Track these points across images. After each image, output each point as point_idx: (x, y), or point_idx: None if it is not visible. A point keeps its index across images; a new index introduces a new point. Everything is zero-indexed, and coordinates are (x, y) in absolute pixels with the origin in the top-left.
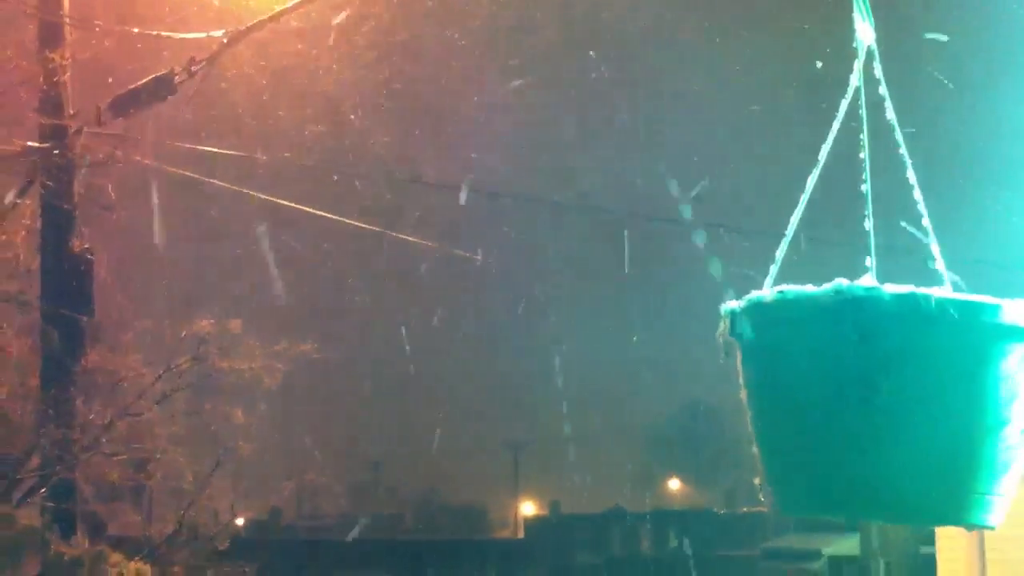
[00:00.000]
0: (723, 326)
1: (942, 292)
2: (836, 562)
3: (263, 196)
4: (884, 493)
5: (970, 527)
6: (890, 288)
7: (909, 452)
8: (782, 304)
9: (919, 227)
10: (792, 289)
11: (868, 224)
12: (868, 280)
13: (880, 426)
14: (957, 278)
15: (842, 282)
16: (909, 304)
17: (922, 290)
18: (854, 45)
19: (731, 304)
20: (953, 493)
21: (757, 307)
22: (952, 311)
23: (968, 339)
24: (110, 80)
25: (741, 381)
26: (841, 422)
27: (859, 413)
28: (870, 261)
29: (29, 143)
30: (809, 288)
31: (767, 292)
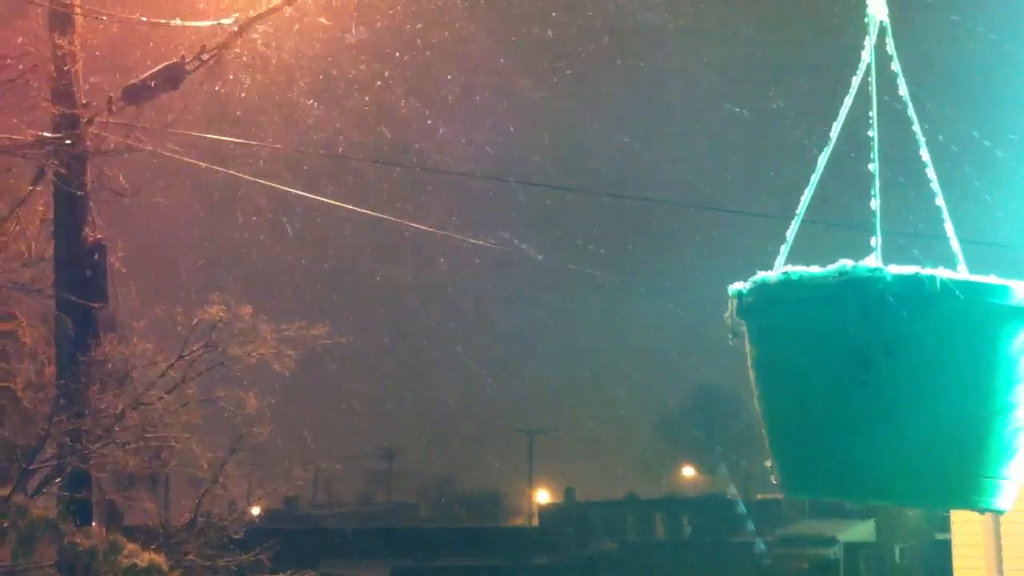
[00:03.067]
0: (731, 307)
1: (948, 273)
2: (851, 548)
3: (276, 185)
4: (888, 475)
5: (979, 510)
6: (894, 269)
7: (913, 434)
8: (787, 285)
9: (933, 207)
10: (797, 270)
11: (874, 204)
12: (872, 261)
13: (883, 408)
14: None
15: (846, 263)
16: (912, 285)
17: (927, 271)
18: (866, 20)
19: (738, 285)
20: (959, 476)
21: (763, 288)
22: (957, 292)
23: (975, 320)
24: (121, 69)
25: (748, 362)
26: (844, 403)
27: (862, 395)
28: (875, 241)
29: (41, 133)
30: (814, 269)
31: (772, 273)
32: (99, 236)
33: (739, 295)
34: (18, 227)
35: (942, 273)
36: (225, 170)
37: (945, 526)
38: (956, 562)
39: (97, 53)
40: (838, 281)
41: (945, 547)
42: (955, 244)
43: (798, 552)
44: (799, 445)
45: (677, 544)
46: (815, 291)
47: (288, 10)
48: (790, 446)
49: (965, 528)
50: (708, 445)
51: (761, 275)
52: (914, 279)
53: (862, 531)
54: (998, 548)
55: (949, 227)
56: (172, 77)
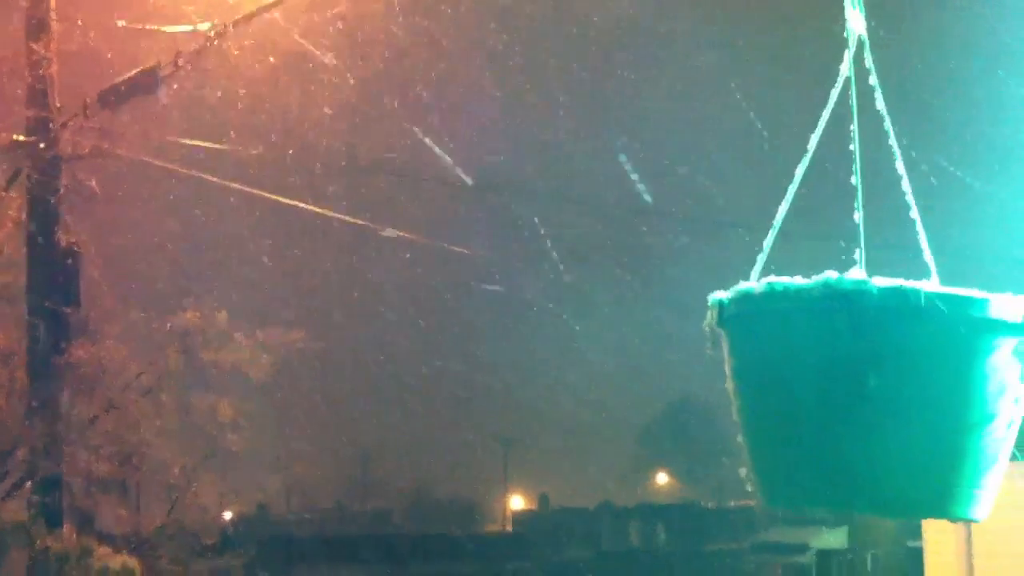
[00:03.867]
0: (710, 316)
1: (931, 286)
2: (824, 555)
3: (250, 189)
4: (870, 486)
5: (956, 520)
6: (879, 281)
7: (896, 445)
8: (770, 296)
9: (907, 219)
10: (781, 281)
11: (858, 216)
12: (857, 273)
13: (867, 419)
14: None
15: (831, 275)
16: (898, 298)
17: (911, 284)
18: (844, 34)
19: (719, 294)
20: (939, 487)
21: (745, 298)
22: (940, 305)
23: (956, 333)
24: (96, 73)
25: (727, 372)
26: (828, 415)
27: (846, 406)
28: (859, 254)
29: (15, 136)
30: (798, 280)
31: (755, 283)
32: (72, 240)
33: (720, 305)
34: None
35: (925, 286)
36: (201, 175)
37: (917, 534)
38: (928, 570)
39: (73, 58)
40: (823, 293)
41: (917, 554)
42: (928, 256)
43: (771, 559)
44: (779, 455)
45: (651, 551)
46: (800, 303)
47: (271, 14)
48: (770, 456)
49: (937, 536)
50: (683, 453)
51: (744, 285)
52: (899, 291)
53: (834, 538)
54: (969, 555)
55: (923, 239)
56: (148, 82)
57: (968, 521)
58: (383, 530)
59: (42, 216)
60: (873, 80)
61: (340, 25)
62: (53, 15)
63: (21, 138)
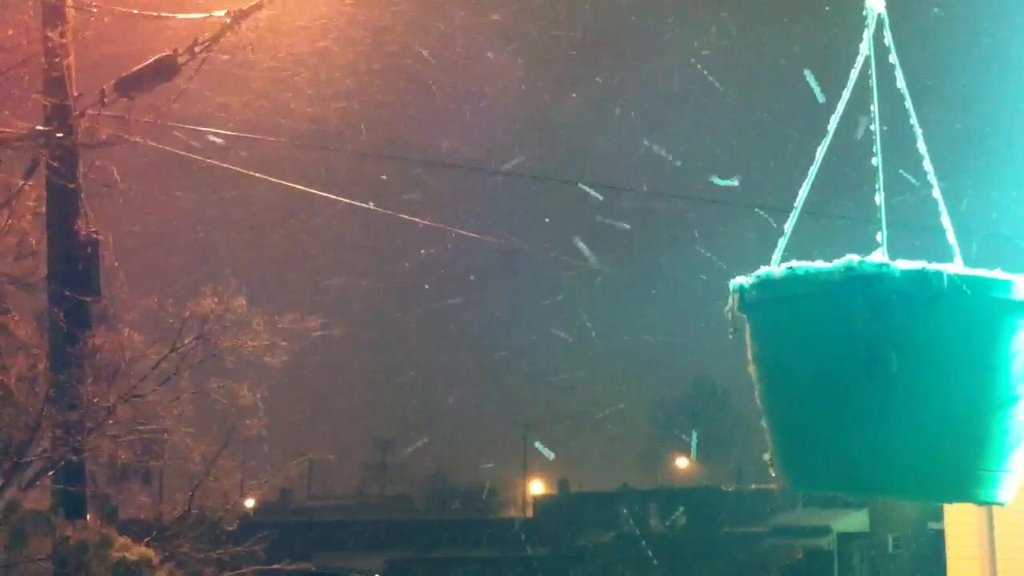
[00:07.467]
0: (732, 301)
1: (953, 268)
2: (845, 537)
3: (269, 178)
4: (893, 469)
5: (980, 503)
6: (901, 264)
7: (918, 428)
8: (792, 280)
9: (930, 198)
10: (802, 265)
11: (878, 198)
12: (879, 256)
13: (890, 402)
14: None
15: (853, 258)
16: (920, 280)
17: (933, 266)
18: (864, 13)
19: (740, 279)
20: (962, 470)
21: (767, 283)
22: (963, 287)
23: (979, 315)
24: (110, 61)
25: (749, 356)
26: (850, 398)
27: (869, 389)
28: (881, 236)
29: (33, 125)
30: (819, 264)
31: (776, 268)
32: (92, 229)
33: (741, 290)
34: (10, 220)
35: (948, 268)
36: (218, 163)
37: (938, 516)
38: (949, 551)
39: (88, 45)
40: (845, 277)
41: (938, 536)
42: (951, 237)
43: (792, 542)
44: (802, 439)
45: (671, 535)
46: (821, 287)
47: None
48: (792, 440)
49: (958, 518)
50: (702, 436)
51: (764, 270)
52: (921, 274)
53: (856, 521)
54: (991, 537)
55: (946, 219)
56: (164, 70)
57: (993, 504)
58: (403, 515)
59: (61, 205)
60: (893, 58)
61: (354, 10)
62: (69, 3)
63: (39, 127)
